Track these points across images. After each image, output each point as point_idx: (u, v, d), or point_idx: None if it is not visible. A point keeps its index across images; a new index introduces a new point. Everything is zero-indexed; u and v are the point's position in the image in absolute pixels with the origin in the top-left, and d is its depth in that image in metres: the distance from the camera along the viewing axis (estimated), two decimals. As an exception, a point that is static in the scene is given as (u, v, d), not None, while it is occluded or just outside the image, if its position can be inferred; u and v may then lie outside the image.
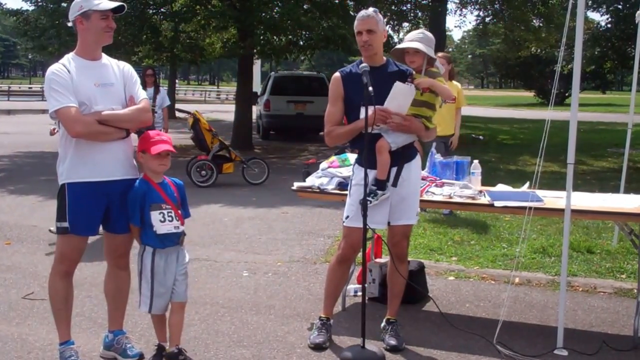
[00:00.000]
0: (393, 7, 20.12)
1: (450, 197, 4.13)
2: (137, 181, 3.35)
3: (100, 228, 3.43)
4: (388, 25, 20.36)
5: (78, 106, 3.17)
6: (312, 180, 4.36)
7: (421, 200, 3.99)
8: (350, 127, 3.71)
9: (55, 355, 3.46)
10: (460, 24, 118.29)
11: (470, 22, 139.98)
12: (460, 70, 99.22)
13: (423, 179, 4.22)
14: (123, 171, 3.36)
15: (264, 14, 13.94)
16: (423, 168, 4.22)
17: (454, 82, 7.33)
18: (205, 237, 6.43)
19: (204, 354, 3.61)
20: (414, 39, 3.69)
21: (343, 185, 4.15)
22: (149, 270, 3.32)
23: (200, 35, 16.45)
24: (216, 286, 4.89)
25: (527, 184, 4.34)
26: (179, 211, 3.37)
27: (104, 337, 3.61)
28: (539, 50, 31.97)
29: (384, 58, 3.75)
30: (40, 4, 14.42)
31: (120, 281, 3.54)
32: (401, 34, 22.30)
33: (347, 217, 3.72)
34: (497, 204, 3.94)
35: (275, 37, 15.35)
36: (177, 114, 19.48)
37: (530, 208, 3.74)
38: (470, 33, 65.23)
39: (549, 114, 3.66)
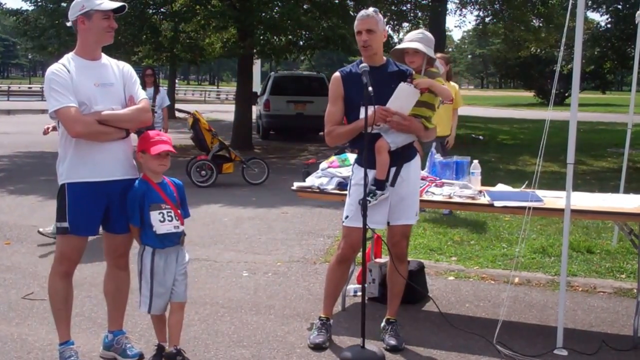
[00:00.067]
0: (393, 7, 20.14)
1: (450, 197, 4.13)
2: (137, 181, 3.35)
3: (100, 228, 3.43)
4: (388, 25, 20.36)
5: (78, 106, 3.17)
6: (312, 180, 4.36)
7: (421, 200, 3.99)
8: (350, 127, 3.71)
9: (55, 355, 3.46)
10: (460, 24, 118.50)
11: (470, 22, 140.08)
12: (460, 70, 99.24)
13: (423, 179, 4.23)
14: (123, 171, 3.36)
15: (263, 14, 13.94)
16: (423, 168, 4.22)
17: (452, 83, 7.35)
18: (205, 237, 6.44)
19: (204, 354, 3.61)
20: (414, 39, 3.70)
21: (343, 185, 4.15)
22: (149, 271, 3.32)
23: (200, 35, 16.44)
24: (216, 286, 4.89)
25: (526, 183, 4.34)
26: (179, 211, 3.37)
27: (103, 337, 3.61)
28: (538, 51, 31.94)
29: (384, 58, 3.75)
30: (40, 3, 14.40)
31: (120, 281, 3.54)
32: (401, 34, 22.33)
33: (347, 217, 3.72)
34: (497, 204, 3.94)
35: (275, 37, 15.35)
36: (177, 114, 19.48)
37: (529, 208, 3.74)
38: (470, 33, 65.26)
39: (549, 114, 3.66)
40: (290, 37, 15.50)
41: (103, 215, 3.34)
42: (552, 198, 4.10)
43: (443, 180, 4.39)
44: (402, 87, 3.56)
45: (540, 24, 21.71)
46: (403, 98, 3.58)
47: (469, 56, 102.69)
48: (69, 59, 3.29)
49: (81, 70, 3.24)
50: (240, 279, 5.10)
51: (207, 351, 3.65)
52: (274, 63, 23.93)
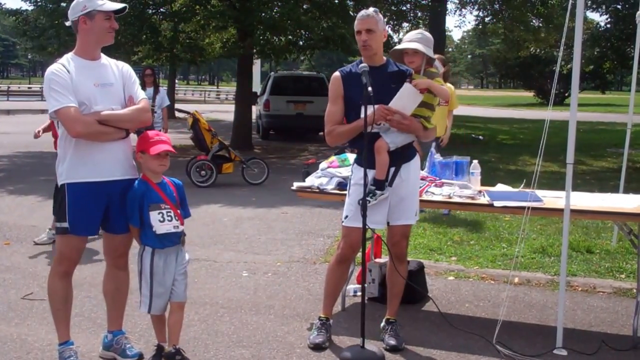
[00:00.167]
0: (393, 7, 20.15)
1: (450, 197, 4.13)
2: (136, 182, 3.35)
3: (100, 228, 3.43)
4: (388, 25, 20.37)
5: (78, 106, 3.17)
6: (312, 180, 4.36)
7: (421, 200, 3.99)
8: (351, 126, 3.70)
9: (55, 355, 3.45)
10: (459, 24, 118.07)
11: (469, 22, 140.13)
12: (460, 70, 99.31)
13: (422, 179, 4.23)
14: (122, 171, 3.36)
15: (263, 14, 13.93)
16: (422, 168, 4.22)
17: (448, 84, 7.35)
18: (205, 237, 6.43)
19: (204, 354, 3.61)
20: (413, 39, 3.70)
21: (342, 185, 4.15)
22: (148, 271, 3.32)
23: (200, 35, 16.44)
24: (216, 286, 4.89)
25: (524, 182, 4.34)
26: (178, 211, 3.37)
27: (103, 337, 3.61)
28: (538, 51, 31.98)
29: (384, 58, 3.75)
30: (39, 3, 14.40)
31: (119, 281, 3.54)
32: (401, 34, 22.32)
33: (346, 217, 3.72)
34: (497, 204, 3.94)
35: (275, 37, 15.35)
36: (177, 114, 19.49)
37: (529, 208, 3.74)
38: (470, 33, 65.30)
39: (548, 114, 3.66)
40: (290, 37, 15.50)
41: (103, 215, 3.34)
42: (551, 198, 4.10)
43: (443, 180, 4.39)
44: (407, 87, 3.57)
45: (540, 24, 21.71)
46: (406, 98, 3.58)
47: (469, 56, 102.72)
48: (68, 59, 3.29)
49: (81, 71, 3.24)
50: (240, 279, 5.10)
51: (207, 351, 3.65)
52: (273, 63, 23.91)
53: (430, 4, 19.58)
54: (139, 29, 13.64)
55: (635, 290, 4.26)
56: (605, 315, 4.35)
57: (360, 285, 4.32)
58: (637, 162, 12.59)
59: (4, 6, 15.64)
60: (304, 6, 14.19)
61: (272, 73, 18.90)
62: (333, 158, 4.46)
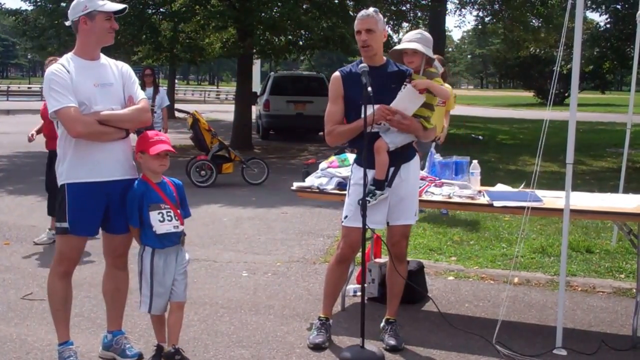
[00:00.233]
0: (393, 7, 20.15)
1: (450, 197, 4.13)
2: (136, 182, 3.35)
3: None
4: (388, 25, 20.37)
5: (78, 106, 3.17)
6: (312, 180, 4.36)
7: (421, 200, 3.99)
8: (351, 126, 3.70)
9: (54, 355, 3.45)
10: (459, 24, 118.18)
11: (469, 22, 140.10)
12: (460, 70, 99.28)
13: (422, 179, 4.23)
14: (122, 171, 3.36)
15: (263, 14, 13.93)
16: (422, 168, 4.22)
17: (446, 85, 7.35)
18: (205, 238, 6.43)
19: (203, 354, 3.61)
20: (412, 39, 3.70)
21: (342, 185, 4.15)
22: (148, 271, 3.32)
23: (200, 35, 16.43)
24: (215, 286, 4.89)
25: (524, 183, 4.34)
26: (178, 211, 3.37)
27: (102, 337, 3.61)
28: (538, 51, 31.98)
29: (384, 58, 3.75)
30: (39, 3, 14.40)
31: (119, 281, 3.54)
32: (401, 34, 22.31)
33: (346, 217, 3.72)
34: (496, 204, 3.94)
35: (274, 37, 15.35)
36: (177, 114, 19.48)
37: (528, 208, 3.74)
38: (470, 33, 65.31)
39: (548, 114, 3.66)
40: (290, 37, 15.50)
41: (103, 215, 3.34)
42: (551, 198, 4.10)
43: (442, 180, 4.39)
44: (409, 88, 3.57)
45: (540, 24, 21.73)
46: (407, 100, 3.58)
47: (469, 56, 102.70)
48: (68, 59, 3.29)
49: (80, 71, 3.24)
50: (240, 279, 5.10)
51: (207, 351, 3.65)
52: (273, 63, 23.93)
53: (430, 4, 19.58)
54: (138, 29, 13.65)
55: (634, 290, 4.27)
56: (605, 315, 4.35)
57: (360, 285, 4.32)
58: (636, 162, 12.59)
59: (3, 6, 15.63)
60: (304, 6, 14.19)
61: (272, 73, 18.90)
62: (333, 158, 4.46)
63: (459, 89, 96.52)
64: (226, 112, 24.44)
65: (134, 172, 3.43)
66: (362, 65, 3.59)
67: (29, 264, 5.47)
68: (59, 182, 3.31)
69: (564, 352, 3.65)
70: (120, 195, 3.32)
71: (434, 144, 5.63)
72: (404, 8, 20.77)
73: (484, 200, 4.06)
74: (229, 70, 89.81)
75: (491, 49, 50.97)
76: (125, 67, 3.45)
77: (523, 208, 3.78)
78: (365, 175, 3.46)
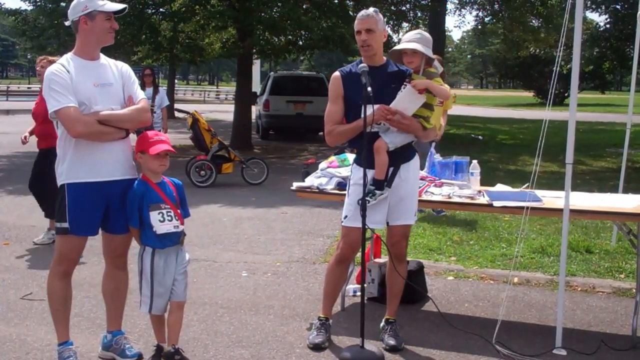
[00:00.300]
0: (393, 7, 20.16)
1: (449, 197, 4.13)
2: (135, 182, 3.35)
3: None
4: (388, 25, 20.38)
5: (77, 106, 3.17)
6: (311, 180, 4.36)
7: (420, 200, 3.99)
8: (351, 126, 3.70)
9: (54, 355, 3.45)
10: (459, 24, 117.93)
11: (469, 23, 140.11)
12: (460, 70, 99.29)
13: (422, 179, 4.23)
14: (122, 171, 3.36)
15: (263, 14, 13.94)
16: (422, 168, 4.22)
17: (445, 85, 7.36)
18: (204, 238, 6.43)
19: (203, 354, 3.61)
20: (412, 39, 3.70)
21: (342, 185, 4.15)
22: (149, 271, 3.32)
23: (200, 35, 16.45)
24: (215, 286, 4.89)
25: (526, 185, 4.34)
26: (178, 211, 3.37)
27: (102, 337, 3.61)
28: (538, 51, 31.99)
29: (384, 58, 3.75)
30: (39, 3, 14.41)
31: (119, 281, 3.54)
32: (401, 34, 22.32)
33: (346, 217, 3.72)
34: (496, 204, 3.94)
35: (274, 37, 15.35)
36: (176, 114, 19.49)
37: (528, 208, 3.74)
38: (470, 33, 65.28)
39: (548, 114, 3.67)
40: (290, 37, 15.50)
41: (102, 215, 3.34)
42: (551, 198, 4.11)
43: (442, 180, 4.39)
44: (409, 88, 3.58)
45: (539, 24, 21.74)
46: (407, 100, 3.59)
47: (469, 56, 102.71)
48: (67, 59, 3.29)
49: (80, 71, 3.24)
50: (240, 279, 5.09)
51: (207, 351, 3.65)
52: (273, 63, 23.94)
53: (430, 4, 19.59)
54: (138, 28, 13.65)
55: (634, 290, 4.26)
56: (605, 315, 4.35)
57: (359, 285, 4.32)
58: (636, 162, 12.60)
59: (3, 6, 15.62)
60: (304, 6, 14.20)
61: (272, 73, 18.91)
62: (333, 158, 4.46)
63: (458, 89, 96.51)
64: (226, 112, 24.43)
65: (133, 172, 3.43)
66: (362, 65, 3.59)
67: (28, 264, 5.47)
68: (59, 182, 3.30)
69: (563, 352, 3.65)
70: (120, 195, 3.32)
71: (433, 143, 5.63)
72: (404, 8, 20.78)
73: (483, 200, 4.06)
74: (229, 70, 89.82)
75: (491, 49, 50.98)
76: (125, 67, 3.45)
77: (523, 208, 3.78)
78: (365, 175, 3.46)
